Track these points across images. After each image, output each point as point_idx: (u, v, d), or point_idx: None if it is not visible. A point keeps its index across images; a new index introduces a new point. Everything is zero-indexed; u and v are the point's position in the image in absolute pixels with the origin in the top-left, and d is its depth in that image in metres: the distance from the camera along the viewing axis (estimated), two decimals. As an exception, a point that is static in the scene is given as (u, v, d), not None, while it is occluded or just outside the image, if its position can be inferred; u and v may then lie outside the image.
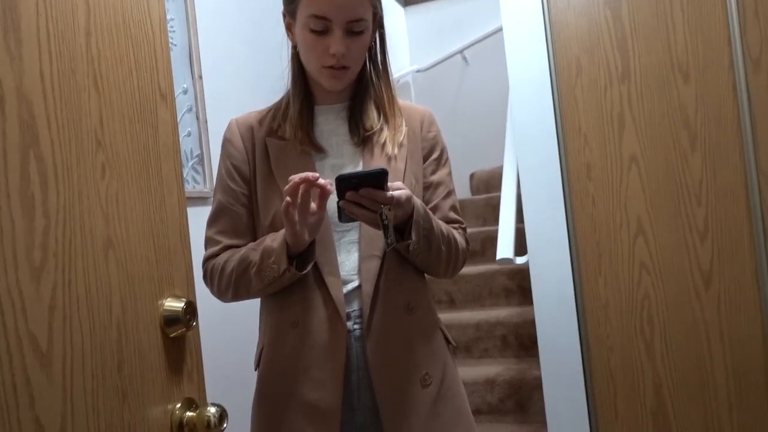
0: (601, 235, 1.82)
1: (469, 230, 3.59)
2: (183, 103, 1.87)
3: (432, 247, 1.02)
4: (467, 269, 3.04)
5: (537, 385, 2.33)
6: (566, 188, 1.85)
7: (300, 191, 0.93)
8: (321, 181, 0.92)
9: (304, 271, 1.00)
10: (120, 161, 0.82)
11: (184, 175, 1.85)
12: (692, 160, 1.74)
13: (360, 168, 1.07)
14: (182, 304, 0.87)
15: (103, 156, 0.78)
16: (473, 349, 2.75)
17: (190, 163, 1.88)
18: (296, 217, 0.94)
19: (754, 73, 1.68)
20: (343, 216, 0.95)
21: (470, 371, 2.54)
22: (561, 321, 1.85)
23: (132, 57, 0.87)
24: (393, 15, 4.31)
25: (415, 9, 4.46)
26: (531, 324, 2.07)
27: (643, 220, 1.78)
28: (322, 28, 1.01)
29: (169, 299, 0.88)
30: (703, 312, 1.74)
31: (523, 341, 2.66)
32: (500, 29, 1.96)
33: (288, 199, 0.93)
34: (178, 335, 0.88)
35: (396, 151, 1.07)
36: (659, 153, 1.77)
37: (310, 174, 0.92)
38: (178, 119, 1.87)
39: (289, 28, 1.10)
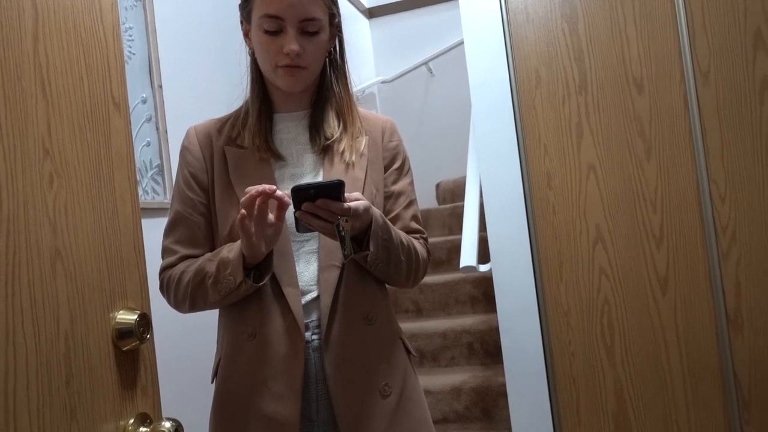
0: (562, 242, 1.86)
1: (434, 239, 3.58)
2: (142, 112, 1.84)
3: (391, 258, 1.01)
4: (433, 278, 3.05)
5: (502, 392, 2.35)
6: (527, 197, 1.88)
7: (257, 203, 0.91)
8: (278, 192, 0.91)
9: (261, 283, 0.99)
10: (69, 170, 0.79)
11: (144, 186, 1.82)
12: (647, 169, 1.79)
13: (320, 178, 1.06)
14: (135, 317, 0.85)
15: (51, 165, 0.76)
16: (440, 358, 2.76)
17: (150, 174, 1.84)
18: (252, 230, 0.93)
19: (703, 85, 1.74)
20: (301, 226, 0.94)
21: (437, 380, 2.55)
22: (524, 328, 1.88)
23: (83, 64, 0.85)
24: (358, 26, 4.34)
25: (380, 21, 4.50)
26: (496, 331, 2.09)
27: (602, 227, 1.82)
28: (275, 28, 1.01)
29: (121, 311, 0.86)
30: (660, 316, 1.78)
31: (488, 348, 2.68)
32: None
33: (243, 212, 0.91)
34: (131, 348, 0.86)
35: (356, 159, 1.07)
36: (616, 162, 1.81)
37: (266, 186, 0.90)
38: (137, 129, 1.83)
39: (247, 35, 1.09)
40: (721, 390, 1.73)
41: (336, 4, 1.10)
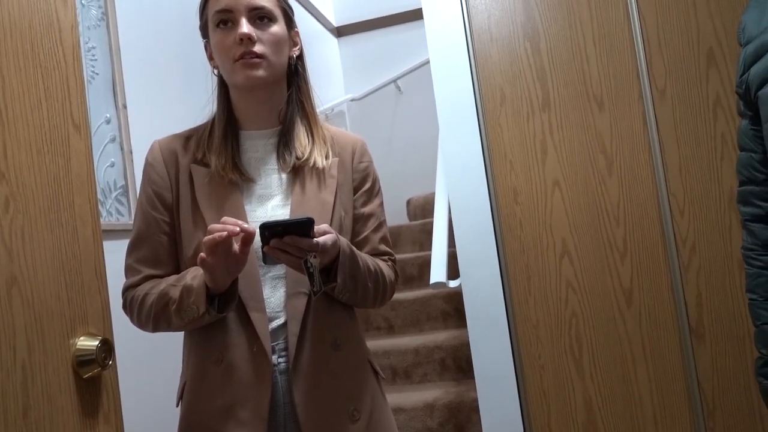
0: (530, 257, 1.88)
1: (405, 256, 3.56)
2: (106, 133, 1.81)
3: (358, 286, 1.02)
4: (405, 294, 3.05)
5: (475, 407, 2.35)
6: (495, 212, 1.91)
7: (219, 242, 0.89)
8: (244, 226, 0.89)
9: (225, 313, 0.98)
10: (27, 194, 0.78)
11: (108, 207, 1.79)
12: (610, 184, 1.84)
13: (289, 200, 1.05)
14: (97, 343, 0.83)
15: (7, 188, 0.75)
16: (413, 375, 2.75)
17: (114, 195, 1.81)
18: (214, 264, 0.91)
19: (660, 103, 1.81)
20: (268, 259, 0.93)
21: (410, 397, 2.54)
22: (494, 342, 1.89)
23: (42, 86, 0.84)
24: (327, 45, 4.36)
25: (349, 39, 4.53)
26: (468, 346, 2.10)
27: (568, 241, 1.86)
28: (227, 20, 1.03)
29: (82, 338, 0.84)
30: (626, 328, 1.82)
31: (461, 364, 2.68)
32: (429, 60, 2.02)
33: (202, 255, 0.89)
34: (93, 375, 0.84)
35: (325, 181, 1.07)
36: (579, 177, 1.86)
37: (229, 228, 0.88)
38: (101, 149, 1.80)
39: (211, 56, 1.10)
40: (687, 399, 1.77)
41: (287, 1, 1.11)
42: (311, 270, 0.89)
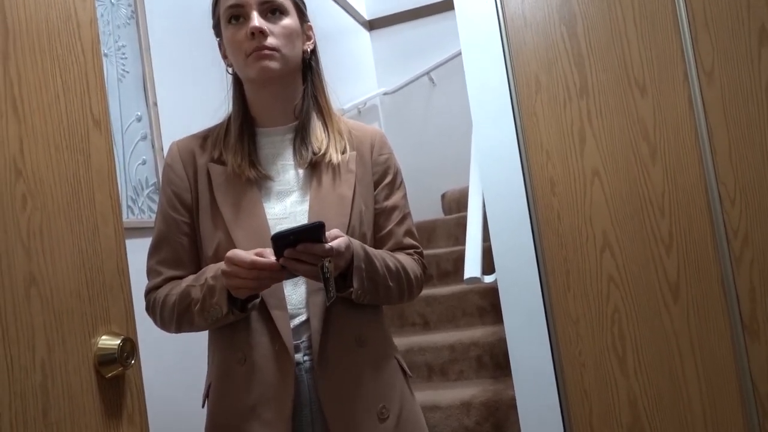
0: (568, 250, 1.81)
1: (441, 250, 3.52)
2: (137, 130, 1.83)
3: (379, 288, 0.99)
4: (440, 290, 3.00)
5: (513, 406, 2.28)
6: (531, 204, 1.84)
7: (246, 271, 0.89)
8: (262, 260, 0.89)
9: (248, 312, 0.97)
10: (45, 191, 0.77)
11: (140, 204, 1.80)
12: (653, 173, 1.74)
13: (307, 196, 1.03)
14: (119, 342, 0.82)
15: (24, 186, 0.73)
16: (449, 372, 2.70)
17: (146, 192, 1.82)
18: (240, 286, 0.92)
19: (707, 85, 1.70)
20: (286, 273, 0.91)
21: (446, 394, 2.49)
22: (532, 339, 1.82)
23: (59, 81, 0.82)
24: (359, 39, 4.33)
25: (381, 32, 4.49)
26: (505, 343, 2.04)
27: (609, 233, 1.77)
28: (238, 14, 1.02)
29: (104, 337, 0.82)
30: (673, 324, 1.72)
31: (498, 361, 2.62)
32: (461, 49, 1.96)
33: (226, 270, 0.91)
34: (116, 375, 0.83)
35: (343, 176, 1.04)
36: (620, 166, 1.77)
37: (251, 260, 0.89)
38: (132, 147, 1.82)
39: (225, 54, 1.09)
40: (740, 399, 1.67)
41: None
42: (327, 275, 0.87)
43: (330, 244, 0.89)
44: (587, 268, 1.79)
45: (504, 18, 1.87)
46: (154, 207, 1.83)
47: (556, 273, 1.82)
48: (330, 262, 0.88)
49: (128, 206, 1.70)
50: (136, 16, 1.88)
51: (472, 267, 2.18)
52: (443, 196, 4.09)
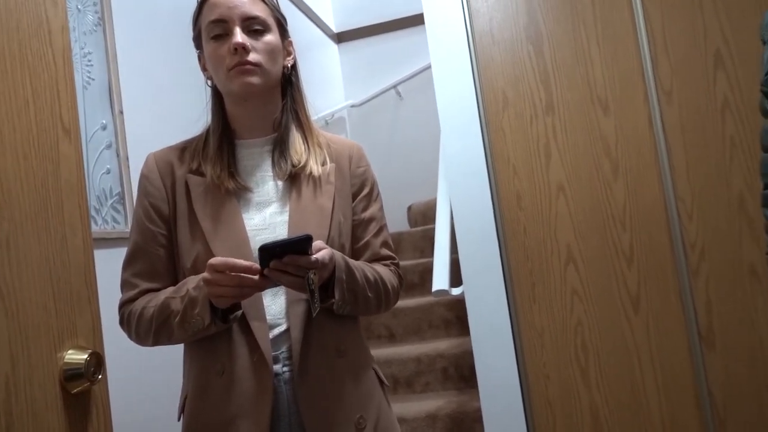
0: (534, 263, 1.85)
1: (407, 263, 3.52)
2: (102, 139, 1.78)
3: (358, 298, 1.00)
4: (406, 302, 3.01)
5: (478, 417, 2.30)
6: (498, 218, 1.87)
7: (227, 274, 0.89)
8: (243, 264, 0.88)
9: (230, 323, 0.96)
10: (12, 200, 0.74)
11: (103, 215, 1.75)
12: (615, 188, 1.80)
13: (286, 207, 1.03)
14: (86, 356, 0.80)
15: (-9, 195, 0.71)
16: (414, 384, 2.70)
17: (110, 202, 1.77)
18: (223, 294, 0.91)
19: (666, 105, 1.77)
20: (269, 283, 0.91)
21: (412, 407, 2.49)
22: (498, 351, 1.85)
23: (29, 88, 0.80)
24: (327, 51, 4.34)
25: (349, 45, 4.51)
26: (471, 354, 2.06)
27: (573, 247, 1.82)
28: (221, 31, 1.02)
29: (70, 351, 0.80)
30: (633, 336, 1.77)
31: (463, 373, 2.64)
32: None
33: (208, 277, 0.90)
34: (82, 390, 0.80)
35: (323, 187, 1.05)
36: (584, 182, 1.82)
37: (240, 264, 0.89)
38: (96, 156, 1.77)
39: (204, 67, 1.08)
40: (697, 410, 1.72)
41: (280, 11, 1.10)
42: (312, 287, 0.87)
43: (315, 256, 0.89)
44: (552, 280, 1.83)
45: (472, 35, 1.92)
46: (119, 218, 1.79)
47: (522, 285, 1.85)
48: (315, 274, 0.88)
49: (91, 216, 1.66)
50: (103, 23, 1.84)
51: (440, 279, 2.20)
52: (409, 209, 4.12)
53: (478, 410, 2.24)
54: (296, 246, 0.86)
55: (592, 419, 1.79)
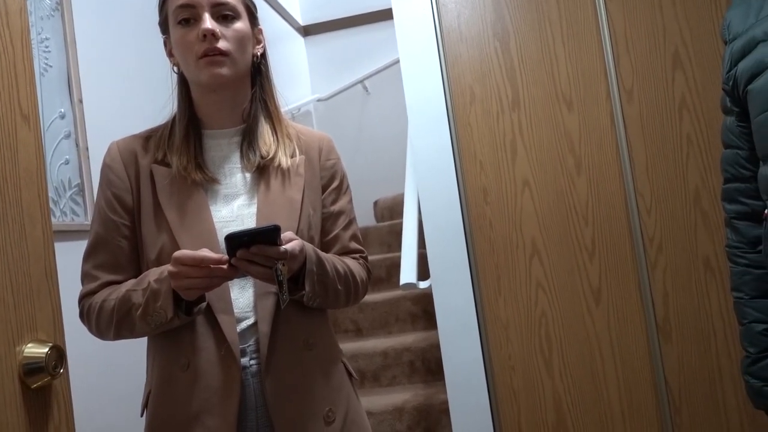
0: (499, 257, 1.88)
1: (374, 257, 3.53)
2: (60, 128, 1.72)
3: (328, 291, 1.00)
4: (373, 296, 3.02)
5: (445, 410, 2.33)
6: (465, 212, 1.89)
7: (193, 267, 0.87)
8: (211, 255, 0.86)
9: (194, 316, 0.94)
10: (-33, 188, 0.71)
11: (62, 207, 1.70)
12: (578, 183, 1.85)
13: (255, 200, 1.02)
14: (46, 350, 0.77)
15: (-56, 183, 0.68)
16: (381, 378, 2.71)
17: (69, 193, 1.72)
18: (190, 286, 0.89)
19: (627, 103, 1.82)
20: (236, 272, 0.89)
21: (379, 400, 2.50)
22: (465, 343, 1.87)
23: (-15, 72, 0.77)
24: (293, 44, 4.30)
25: (316, 38, 4.48)
26: (437, 348, 2.08)
27: (537, 241, 1.86)
28: (189, 16, 0.99)
29: (30, 345, 0.77)
30: (595, 327, 1.82)
31: (430, 366, 2.66)
32: (399, 60, 1.99)
33: (173, 270, 0.88)
34: (42, 385, 0.78)
35: (292, 179, 1.03)
36: (549, 177, 1.86)
37: (204, 256, 0.86)
38: (55, 146, 1.71)
39: (171, 53, 1.05)
40: (654, 397, 1.78)
41: (252, 2, 1.08)
42: (281, 278, 0.86)
43: (285, 246, 0.88)
44: (517, 274, 1.86)
45: (441, 31, 1.93)
46: (78, 210, 1.73)
47: (488, 279, 1.88)
48: (284, 265, 0.87)
49: (50, 208, 1.60)
50: (61, 8, 1.78)
51: (407, 273, 2.21)
52: (376, 204, 4.12)
53: (445, 402, 2.26)
54: (264, 236, 0.85)
55: (555, 408, 1.83)
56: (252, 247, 0.84)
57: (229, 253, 0.86)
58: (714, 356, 1.75)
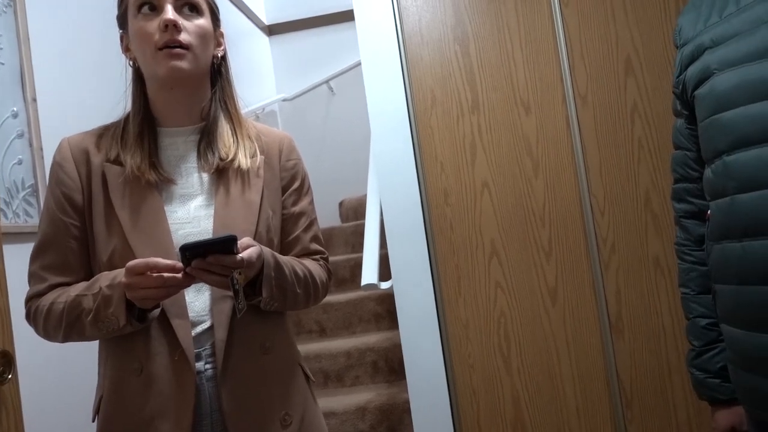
0: (460, 257, 1.91)
1: (338, 257, 3.52)
2: (12, 127, 1.68)
3: (287, 295, 0.99)
4: (337, 297, 3.02)
5: (407, 409, 2.36)
6: (426, 214, 1.92)
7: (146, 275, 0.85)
8: (164, 261, 0.85)
9: (147, 323, 0.93)
10: None
11: (14, 208, 1.65)
12: (536, 185, 1.89)
13: (212, 202, 1.01)
14: (-6, 355, 0.76)
15: None
16: (344, 378, 2.72)
17: (22, 195, 1.68)
18: (144, 297, 0.87)
19: (582, 107, 1.88)
20: (192, 279, 0.88)
21: (342, 400, 2.51)
22: (426, 343, 1.90)
23: (-72, 72, 0.75)
24: (258, 43, 4.27)
25: (280, 38, 4.46)
26: (400, 348, 2.11)
27: (496, 241, 1.90)
28: (151, 5, 0.98)
29: (-24, 350, 0.76)
30: (551, 326, 1.87)
31: (393, 366, 2.68)
32: (361, 61, 2.00)
33: (125, 281, 0.87)
34: (-11, 391, 0.76)
35: (251, 181, 1.03)
36: (508, 179, 1.90)
37: (155, 262, 0.85)
38: (7, 146, 1.67)
39: (127, 48, 1.03)
40: (607, 392, 1.85)
41: (214, 1, 1.07)
42: (236, 287, 0.86)
43: (241, 255, 0.87)
44: (477, 274, 1.90)
45: (402, 34, 1.95)
46: (31, 211, 1.69)
47: (449, 279, 1.91)
48: (240, 273, 0.86)
49: (1, 210, 1.56)
50: (14, 3, 1.73)
51: (369, 274, 2.22)
52: (341, 204, 4.13)
53: (407, 402, 2.29)
54: (221, 246, 0.84)
55: (513, 405, 1.87)
56: (208, 257, 0.84)
57: (183, 262, 0.85)
58: (663, 352, 1.82)
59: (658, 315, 1.83)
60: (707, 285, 1.06)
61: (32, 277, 0.98)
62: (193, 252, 0.84)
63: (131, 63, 1.05)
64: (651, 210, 1.84)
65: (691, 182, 1.09)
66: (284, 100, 4.32)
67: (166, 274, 0.85)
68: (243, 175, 1.03)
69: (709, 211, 1.02)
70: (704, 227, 1.07)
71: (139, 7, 0.98)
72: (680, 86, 1.06)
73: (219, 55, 1.07)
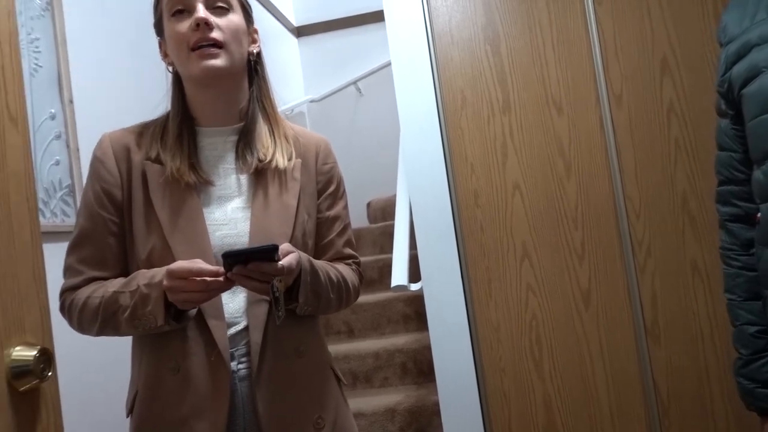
0: (490, 260, 1.89)
1: (366, 258, 3.54)
2: (50, 129, 1.72)
3: (321, 300, 0.99)
4: (366, 298, 3.02)
5: (437, 411, 2.34)
6: (456, 215, 1.90)
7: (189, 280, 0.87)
8: (207, 267, 0.87)
9: (184, 323, 0.94)
10: (-45, 192, 0.71)
11: (52, 207, 1.69)
12: (568, 187, 1.86)
13: (250, 204, 1.01)
14: (35, 353, 0.77)
15: (-68, 186, 0.68)
16: (373, 379, 2.72)
17: (59, 195, 1.72)
18: (186, 300, 0.89)
19: (616, 108, 1.84)
20: (233, 283, 0.90)
21: (371, 401, 2.50)
22: (455, 345, 1.88)
23: (-27, 75, 0.77)
24: (286, 45, 4.30)
25: (309, 39, 4.48)
26: (429, 349, 2.09)
27: (528, 244, 1.87)
28: (182, 7, 0.99)
29: (18, 348, 0.77)
30: (584, 329, 1.84)
31: (422, 367, 2.67)
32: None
33: (168, 284, 0.88)
34: (30, 388, 0.78)
35: (288, 184, 1.03)
36: (539, 180, 1.87)
37: (199, 268, 0.87)
38: (45, 147, 1.71)
39: (166, 54, 1.04)
40: (642, 398, 1.80)
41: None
42: (276, 294, 0.87)
43: (282, 262, 0.87)
44: (508, 276, 1.87)
45: (432, 35, 1.94)
46: (68, 210, 1.73)
47: (479, 282, 1.89)
48: (280, 281, 0.87)
49: (39, 209, 1.60)
50: (52, 8, 1.78)
51: (399, 275, 2.21)
52: (369, 205, 4.13)
53: (437, 404, 2.27)
54: (262, 255, 0.85)
55: (545, 410, 1.84)
56: (249, 264, 0.85)
57: (225, 269, 0.86)
58: (702, 358, 1.77)
59: (696, 320, 1.77)
60: (755, 291, 1.02)
61: (68, 270, 0.99)
62: (235, 258, 0.85)
63: (170, 68, 1.05)
64: (688, 212, 1.79)
65: (737, 184, 1.05)
66: (312, 101, 4.35)
67: (209, 278, 0.86)
68: (280, 177, 1.03)
69: (758, 214, 0.98)
70: (751, 231, 1.03)
71: (172, 11, 0.99)
72: (725, 85, 1.02)
73: (254, 51, 1.07)
